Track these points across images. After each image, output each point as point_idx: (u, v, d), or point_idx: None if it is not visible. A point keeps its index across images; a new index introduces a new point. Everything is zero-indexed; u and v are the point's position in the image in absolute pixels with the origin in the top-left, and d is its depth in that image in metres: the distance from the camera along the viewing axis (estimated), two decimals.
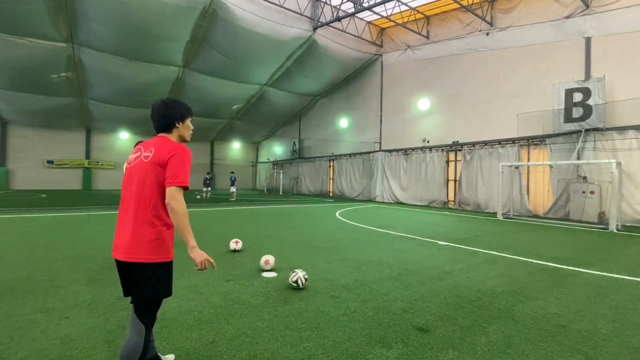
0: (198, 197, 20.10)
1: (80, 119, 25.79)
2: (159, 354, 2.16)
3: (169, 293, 1.89)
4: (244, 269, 4.70)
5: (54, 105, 22.26)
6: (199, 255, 1.79)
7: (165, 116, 1.94)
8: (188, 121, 2.04)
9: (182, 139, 2.04)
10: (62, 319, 2.95)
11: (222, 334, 2.72)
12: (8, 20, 14.28)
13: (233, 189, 20.26)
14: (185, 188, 1.80)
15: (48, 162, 27.01)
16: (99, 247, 5.85)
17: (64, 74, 18.72)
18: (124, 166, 1.98)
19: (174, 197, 1.73)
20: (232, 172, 22.43)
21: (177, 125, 1.97)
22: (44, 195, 19.42)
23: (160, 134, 1.97)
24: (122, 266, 1.86)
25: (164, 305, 1.94)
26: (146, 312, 1.85)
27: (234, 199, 19.26)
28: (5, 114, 24.07)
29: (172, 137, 1.98)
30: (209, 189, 20.09)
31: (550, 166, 13.08)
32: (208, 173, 21.86)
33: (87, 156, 28.74)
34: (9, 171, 25.49)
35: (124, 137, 30.07)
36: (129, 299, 1.90)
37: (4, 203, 14.16)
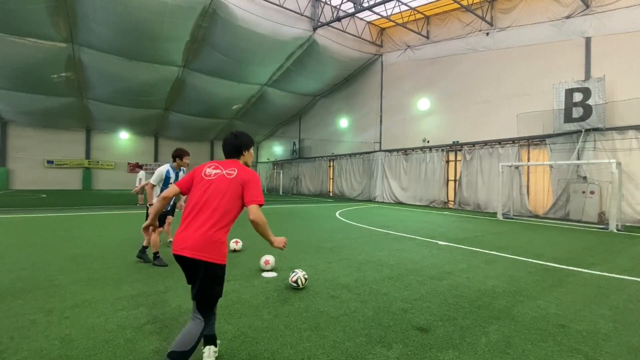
0: None
1: (80, 119, 25.79)
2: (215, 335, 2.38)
3: (221, 293, 2.18)
4: (244, 269, 4.69)
5: (54, 105, 22.27)
6: (279, 242, 2.30)
7: (236, 146, 2.40)
8: (251, 150, 2.50)
9: (246, 164, 2.45)
10: (62, 319, 2.95)
11: (222, 334, 2.72)
12: (8, 20, 14.28)
13: None
14: (261, 205, 2.22)
15: (48, 162, 27.02)
16: (99, 247, 5.82)
17: (64, 74, 18.72)
18: (181, 176, 2.02)
19: (257, 213, 2.13)
20: None
21: (244, 153, 2.43)
22: (44, 195, 19.42)
23: (232, 159, 2.40)
24: (185, 262, 2.08)
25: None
26: (205, 307, 2.08)
27: None
28: (5, 114, 24.09)
29: (240, 161, 2.40)
30: None
31: (550, 166, 13.08)
32: None
33: (87, 156, 28.75)
34: (9, 171, 25.49)
35: (123, 137, 30.07)
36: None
37: (4, 203, 14.16)
